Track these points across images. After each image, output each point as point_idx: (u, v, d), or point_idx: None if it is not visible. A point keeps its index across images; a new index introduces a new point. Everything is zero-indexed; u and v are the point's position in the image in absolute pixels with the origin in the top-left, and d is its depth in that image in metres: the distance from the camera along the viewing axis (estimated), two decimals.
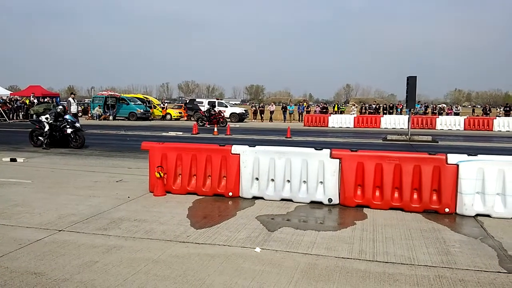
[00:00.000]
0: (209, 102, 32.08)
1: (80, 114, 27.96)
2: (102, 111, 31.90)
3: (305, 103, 40.54)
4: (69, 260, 3.78)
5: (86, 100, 47.04)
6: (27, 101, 30.68)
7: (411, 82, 17.30)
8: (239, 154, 6.26)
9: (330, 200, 5.92)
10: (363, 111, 36.58)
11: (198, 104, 32.59)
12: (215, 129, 20.58)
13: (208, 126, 24.94)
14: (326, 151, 5.97)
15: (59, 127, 12.54)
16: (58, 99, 36.67)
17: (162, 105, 38.23)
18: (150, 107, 33.84)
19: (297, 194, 6.06)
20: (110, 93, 34.37)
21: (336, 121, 28.06)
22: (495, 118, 26.99)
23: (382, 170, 5.72)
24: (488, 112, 35.07)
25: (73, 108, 17.05)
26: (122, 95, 36.46)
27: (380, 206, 5.72)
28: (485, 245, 4.38)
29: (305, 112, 35.15)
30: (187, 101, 37.68)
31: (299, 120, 34.24)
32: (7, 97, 30.96)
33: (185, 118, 33.99)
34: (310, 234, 4.62)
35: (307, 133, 21.40)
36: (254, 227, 4.85)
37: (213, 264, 3.75)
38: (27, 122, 25.85)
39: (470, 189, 5.44)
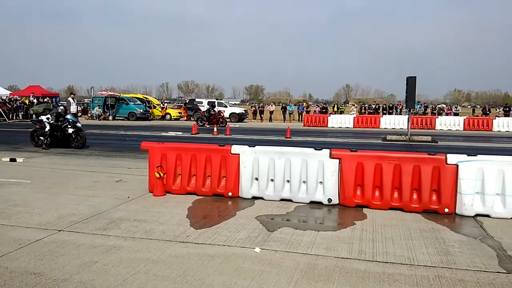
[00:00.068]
0: (208, 102, 32.07)
1: (79, 114, 27.94)
2: (101, 111, 31.90)
3: (304, 103, 40.58)
4: (69, 260, 3.78)
5: (86, 100, 47.01)
6: (27, 101, 30.68)
7: (411, 82, 17.31)
8: (238, 154, 6.27)
9: (329, 200, 5.92)
10: (363, 111, 36.61)
11: (198, 104, 32.57)
12: (215, 129, 20.58)
13: (207, 126, 24.94)
14: (326, 151, 5.97)
15: (60, 127, 12.54)
16: (58, 99, 36.69)
17: (161, 105, 38.19)
18: (150, 107, 33.83)
19: (297, 194, 6.06)
20: (109, 93, 34.35)
21: (336, 121, 28.06)
22: (495, 118, 27.00)
23: (382, 170, 5.73)
24: (488, 112, 35.12)
25: (73, 108, 17.06)
26: (121, 95, 36.46)
27: (379, 206, 5.72)
28: (484, 245, 4.38)
29: (304, 112, 35.19)
30: (187, 101, 37.66)
31: (298, 120, 34.26)
32: (6, 97, 30.95)
33: (185, 118, 34.00)
34: (310, 234, 4.62)
35: (307, 133, 21.41)
36: (254, 227, 4.85)
37: (213, 264, 3.75)
38: (27, 122, 25.85)
39: (470, 189, 5.44)
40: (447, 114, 33.59)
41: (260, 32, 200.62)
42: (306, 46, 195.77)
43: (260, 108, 37.73)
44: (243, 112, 33.27)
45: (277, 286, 3.33)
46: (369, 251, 4.12)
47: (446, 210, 5.52)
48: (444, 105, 42.69)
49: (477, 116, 33.51)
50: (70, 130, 12.52)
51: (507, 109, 33.64)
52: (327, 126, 27.60)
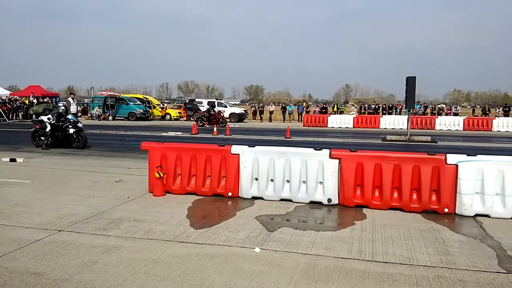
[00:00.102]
0: (208, 102, 32.07)
1: (79, 114, 27.94)
2: (101, 111, 31.89)
3: (304, 103, 40.57)
4: (69, 260, 3.78)
5: (86, 100, 46.98)
6: (27, 101, 30.69)
7: (410, 82, 17.33)
8: (238, 154, 6.27)
9: (329, 200, 5.93)
10: (363, 111, 36.62)
11: (198, 104, 32.57)
12: (215, 129, 20.58)
13: (207, 126, 24.94)
14: (326, 151, 5.97)
15: (62, 127, 12.53)
16: (58, 99, 36.66)
17: (161, 105, 38.18)
18: (150, 107, 33.82)
19: (297, 194, 6.06)
20: (109, 93, 34.35)
21: (336, 121, 28.07)
22: (494, 119, 27.02)
23: (382, 170, 5.73)
24: (487, 112, 35.13)
25: (73, 108, 17.04)
26: (121, 95, 36.43)
27: (379, 206, 5.73)
28: (484, 245, 4.39)
29: (304, 112, 35.20)
30: (187, 101, 37.65)
31: (298, 120, 34.27)
32: (6, 97, 30.95)
33: (185, 118, 34.01)
34: (310, 234, 4.63)
35: (307, 133, 21.41)
36: (254, 227, 4.85)
37: (213, 264, 3.75)
38: (27, 122, 25.85)
39: (469, 189, 5.45)
40: (446, 114, 33.61)
41: (260, 32, 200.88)
42: (306, 46, 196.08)
43: (260, 108, 37.75)
44: (243, 112, 33.27)
45: (277, 286, 3.33)
46: (368, 251, 4.13)
47: (446, 210, 5.52)
48: (443, 105, 42.73)
49: (477, 116, 33.52)
50: (71, 130, 12.52)
51: (507, 109, 33.68)
52: (326, 126, 27.61)
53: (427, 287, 3.34)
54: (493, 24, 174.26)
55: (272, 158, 6.15)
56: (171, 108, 38.70)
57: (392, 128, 26.08)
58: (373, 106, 37.49)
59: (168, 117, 34.50)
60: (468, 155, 5.57)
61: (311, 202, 6.00)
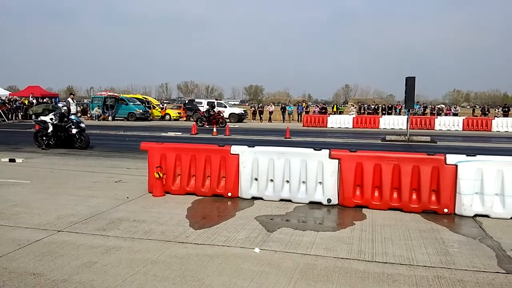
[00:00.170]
0: (208, 102, 32.08)
1: (79, 114, 27.93)
2: (101, 112, 31.88)
3: (304, 104, 40.56)
4: (68, 261, 3.77)
5: (85, 101, 46.95)
6: (26, 102, 30.68)
7: (410, 82, 17.34)
8: (238, 155, 6.27)
9: (329, 200, 5.92)
10: (362, 111, 36.63)
11: (197, 105, 32.58)
12: (214, 130, 20.58)
13: (207, 126, 24.94)
14: (325, 152, 5.97)
15: (64, 128, 12.53)
16: (57, 99, 36.63)
17: (161, 105, 38.18)
18: (149, 108, 33.81)
19: (296, 194, 6.06)
20: (109, 93, 34.35)
21: (335, 121, 28.08)
22: (494, 119, 27.04)
23: (381, 171, 5.73)
24: (487, 112, 35.16)
25: (72, 109, 17.04)
26: (121, 95, 36.42)
27: (379, 206, 5.73)
28: (483, 245, 4.39)
29: (304, 112, 35.21)
30: (186, 102, 37.66)
31: (298, 121, 34.28)
32: (6, 97, 30.95)
33: (184, 119, 34.00)
34: (309, 235, 4.63)
35: (306, 134, 21.41)
36: (253, 228, 4.85)
37: (212, 264, 3.75)
38: (26, 123, 25.85)
39: (469, 189, 5.45)
40: (446, 114, 33.64)
41: (260, 32, 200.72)
42: (306, 46, 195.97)
43: (260, 109, 37.77)
44: (243, 112, 33.27)
45: (276, 286, 3.33)
46: (368, 252, 4.12)
47: (446, 210, 5.52)
48: (443, 105, 42.76)
49: (477, 116, 33.54)
50: (74, 131, 12.52)
51: (506, 109, 33.71)
52: (326, 127, 27.62)
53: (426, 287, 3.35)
54: (493, 24, 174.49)
55: (272, 158, 6.15)
56: (171, 109, 38.68)
57: (391, 128, 26.10)
58: (372, 106, 37.54)
59: (167, 117, 34.49)
60: (467, 155, 5.57)
61: (311, 203, 6.00)
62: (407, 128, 18.77)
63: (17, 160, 9.76)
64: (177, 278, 3.45)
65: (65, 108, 13.32)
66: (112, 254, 3.97)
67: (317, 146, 6.44)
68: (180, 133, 20.01)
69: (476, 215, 5.44)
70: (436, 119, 27.39)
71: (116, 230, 4.70)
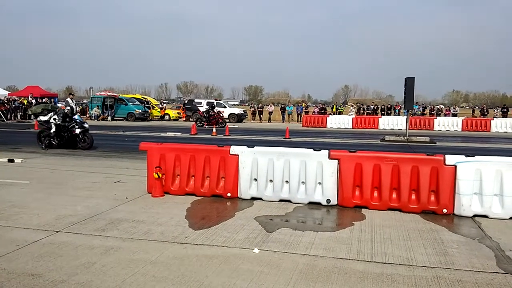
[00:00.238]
0: (207, 102, 32.05)
1: (78, 114, 27.88)
2: (100, 112, 31.86)
3: (303, 104, 40.55)
4: (67, 262, 3.77)
5: (85, 101, 46.92)
6: (25, 102, 30.64)
7: (409, 83, 17.35)
8: (237, 155, 6.26)
9: (328, 200, 5.92)
10: (361, 112, 36.64)
11: (197, 105, 32.58)
12: (214, 130, 20.57)
13: (206, 126, 24.93)
14: (325, 152, 5.97)
15: (68, 128, 12.51)
16: (56, 99, 36.65)
17: (160, 105, 38.16)
18: (149, 108, 33.79)
19: (296, 195, 6.06)
20: (108, 93, 34.32)
21: (335, 121, 28.09)
22: (493, 119, 27.07)
23: (380, 171, 5.73)
24: (486, 113, 35.17)
25: None
26: (120, 95, 36.37)
27: (378, 206, 5.73)
28: (482, 245, 4.39)
29: (303, 112, 35.20)
30: (186, 102, 37.65)
31: (297, 121, 34.28)
32: (5, 97, 30.91)
33: (184, 119, 33.99)
34: (309, 235, 4.62)
35: (306, 134, 21.41)
36: (253, 228, 4.85)
37: (211, 265, 3.75)
38: (25, 123, 25.84)
39: (468, 190, 5.45)
40: (445, 115, 33.67)
41: (260, 32, 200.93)
42: (306, 47, 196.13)
43: (259, 109, 37.74)
44: (242, 112, 33.28)
45: (275, 287, 3.33)
46: (367, 252, 4.13)
47: (445, 210, 5.53)
48: (442, 106, 42.80)
49: (475, 116, 33.56)
50: (78, 131, 12.49)
51: (505, 110, 33.72)
52: (325, 127, 27.62)
53: None
54: (493, 24, 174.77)
55: (271, 159, 6.15)
56: (170, 109, 38.64)
57: (391, 129, 26.12)
58: (372, 106, 37.52)
59: (167, 117, 34.46)
60: (466, 155, 5.57)
61: (310, 203, 5.99)
62: (406, 129, 18.78)
63: (16, 160, 9.75)
64: (176, 278, 3.45)
65: (69, 108, 13.28)
66: (111, 254, 3.97)
67: (317, 147, 6.44)
68: (179, 133, 20.00)
69: (475, 216, 5.45)
70: (435, 120, 27.41)
71: (115, 231, 4.69)
